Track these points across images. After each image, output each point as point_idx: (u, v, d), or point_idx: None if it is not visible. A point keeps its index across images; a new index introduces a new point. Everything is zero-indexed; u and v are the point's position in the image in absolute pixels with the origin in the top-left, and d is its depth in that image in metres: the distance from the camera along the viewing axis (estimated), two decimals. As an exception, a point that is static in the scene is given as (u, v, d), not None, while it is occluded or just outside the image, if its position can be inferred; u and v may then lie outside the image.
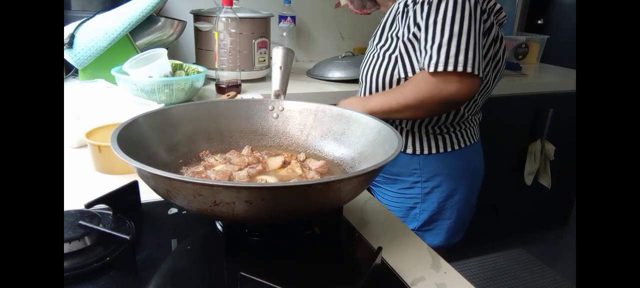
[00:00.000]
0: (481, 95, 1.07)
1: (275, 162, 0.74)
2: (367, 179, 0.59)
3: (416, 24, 0.95)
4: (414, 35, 0.96)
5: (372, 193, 1.23)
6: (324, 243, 0.66)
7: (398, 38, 1.00)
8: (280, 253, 0.63)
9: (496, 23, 1.01)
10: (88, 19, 1.33)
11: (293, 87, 1.45)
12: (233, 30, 1.34)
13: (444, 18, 0.88)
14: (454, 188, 1.11)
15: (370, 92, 1.08)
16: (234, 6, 1.37)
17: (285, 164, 0.74)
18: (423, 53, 0.92)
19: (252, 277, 0.48)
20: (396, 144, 0.63)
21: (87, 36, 1.28)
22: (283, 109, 0.83)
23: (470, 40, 0.88)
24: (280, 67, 0.81)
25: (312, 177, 0.69)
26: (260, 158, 0.76)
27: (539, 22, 2.62)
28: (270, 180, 0.69)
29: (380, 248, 0.58)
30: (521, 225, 2.29)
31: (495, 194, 1.79)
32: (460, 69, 0.87)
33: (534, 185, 2.09)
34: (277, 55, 0.82)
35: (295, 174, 0.71)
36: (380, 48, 1.05)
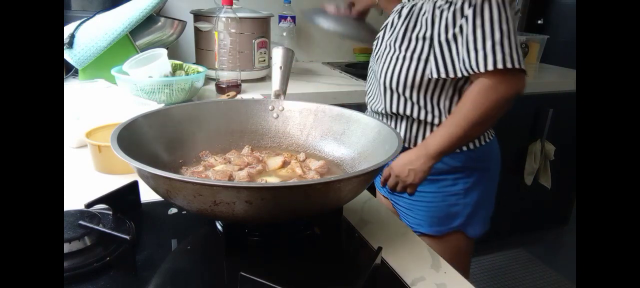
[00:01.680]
0: None
1: (275, 162, 0.74)
2: (367, 179, 0.59)
3: (458, 25, 0.94)
4: (454, 36, 0.95)
5: (393, 203, 1.20)
6: (324, 243, 0.66)
7: (430, 39, 0.99)
8: (280, 253, 0.63)
9: None
10: (88, 19, 1.33)
11: (293, 87, 1.45)
12: (233, 30, 1.34)
13: (492, 17, 0.91)
14: (491, 177, 1.14)
15: (398, 97, 1.05)
16: (234, 6, 1.37)
17: (285, 164, 0.74)
18: (474, 53, 0.92)
19: (252, 277, 0.48)
20: (396, 143, 0.63)
21: (87, 36, 1.28)
22: (283, 109, 0.83)
23: (516, 38, 0.92)
24: (280, 67, 0.81)
25: (312, 177, 0.69)
26: (260, 158, 0.76)
27: (539, 22, 2.62)
28: (270, 180, 0.69)
29: (380, 248, 0.58)
30: (521, 225, 2.29)
31: (496, 194, 1.79)
32: (516, 65, 0.91)
33: (534, 185, 2.09)
34: (277, 55, 0.82)
35: (295, 174, 0.71)
36: (405, 50, 1.03)
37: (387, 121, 1.11)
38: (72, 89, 1.16)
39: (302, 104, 0.83)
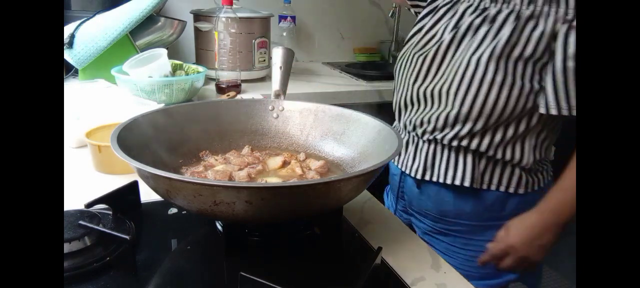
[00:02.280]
0: None
1: (275, 162, 0.74)
2: (367, 179, 0.59)
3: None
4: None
5: (437, 252, 0.80)
6: (324, 243, 0.66)
7: (546, 64, 0.78)
8: (280, 253, 0.63)
9: None
10: (88, 19, 1.33)
11: (293, 87, 1.45)
12: (233, 30, 1.34)
13: None
14: None
15: (472, 128, 0.82)
16: (234, 6, 1.37)
17: (285, 164, 0.74)
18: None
19: (252, 277, 0.48)
20: (396, 144, 0.63)
21: (87, 36, 1.28)
22: (283, 109, 0.83)
23: None
24: (280, 67, 0.81)
25: (312, 177, 0.69)
26: (260, 158, 0.76)
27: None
28: (270, 180, 0.69)
29: (380, 248, 0.58)
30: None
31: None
32: None
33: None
34: (277, 55, 0.82)
35: (295, 174, 0.71)
36: (505, 73, 0.79)
37: (438, 150, 0.89)
38: (72, 88, 1.16)
39: (302, 104, 0.83)
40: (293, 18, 1.96)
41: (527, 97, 0.79)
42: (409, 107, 0.93)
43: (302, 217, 0.64)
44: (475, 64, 0.80)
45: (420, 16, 0.96)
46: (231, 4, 1.33)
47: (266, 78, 1.66)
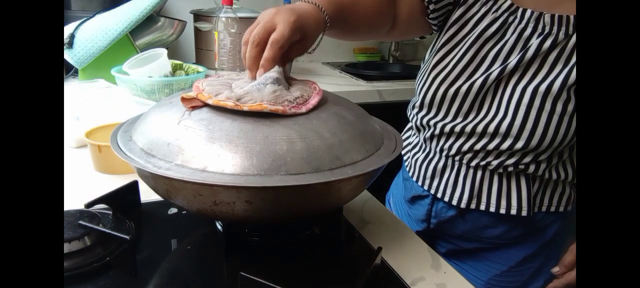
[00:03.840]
0: None
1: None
2: (367, 179, 0.59)
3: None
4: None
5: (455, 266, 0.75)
6: (323, 243, 0.66)
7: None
8: (280, 253, 0.63)
9: None
10: (88, 19, 1.33)
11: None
12: (233, 30, 1.34)
13: None
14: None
15: (526, 154, 0.76)
16: (234, 6, 1.37)
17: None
18: None
19: (251, 277, 0.48)
20: (396, 144, 0.63)
21: (87, 36, 1.29)
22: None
23: None
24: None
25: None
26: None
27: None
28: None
29: (380, 248, 0.58)
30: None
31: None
32: None
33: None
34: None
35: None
36: (567, 104, 0.72)
37: (485, 177, 0.82)
38: (71, 88, 1.16)
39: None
40: (293, 18, 1.95)
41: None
42: (454, 136, 0.82)
43: (302, 217, 0.64)
44: (543, 94, 0.72)
45: (448, 35, 0.82)
46: (231, 4, 1.33)
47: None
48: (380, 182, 0.68)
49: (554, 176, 0.79)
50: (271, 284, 0.47)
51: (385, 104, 1.64)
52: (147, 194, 0.67)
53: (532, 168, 0.77)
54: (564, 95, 0.71)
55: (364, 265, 0.55)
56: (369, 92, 1.63)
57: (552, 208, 0.83)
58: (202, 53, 1.59)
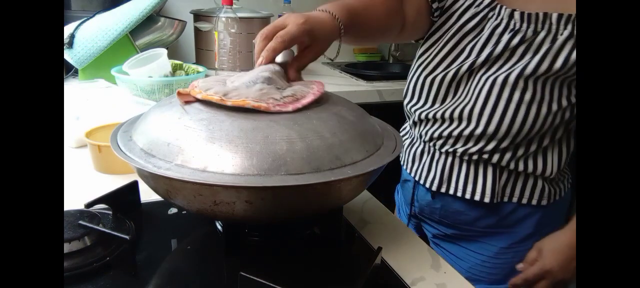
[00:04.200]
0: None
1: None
2: (367, 179, 0.59)
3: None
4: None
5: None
6: (323, 243, 0.66)
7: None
8: (280, 253, 0.63)
9: None
10: (88, 19, 1.33)
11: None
12: (233, 30, 1.34)
13: None
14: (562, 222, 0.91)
15: (499, 143, 0.80)
16: (234, 6, 1.37)
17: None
18: None
19: (251, 276, 0.48)
20: (396, 144, 0.63)
21: (87, 36, 1.29)
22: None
23: None
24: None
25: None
26: None
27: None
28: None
29: (380, 248, 0.58)
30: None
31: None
32: None
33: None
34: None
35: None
36: (540, 87, 0.76)
37: (455, 163, 0.86)
38: (71, 88, 1.16)
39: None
40: (293, 18, 1.96)
41: (556, 114, 0.77)
42: (430, 122, 0.88)
43: (302, 217, 0.64)
44: (501, 84, 0.77)
45: (435, 26, 0.88)
46: (231, 4, 1.33)
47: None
48: (380, 182, 0.68)
49: (521, 167, 0.82)
50: (271, 284, 0.47)
51: (385, 104, 1.64)
52: (147, 194, 0.67)
53: (496, 157, 0.81)
54: (520, 85, 0.76)
55: (364, 265, 0.55)
56: (369, 92, 1.63)
57: (524, 201, 0.85)
58: (202, 53, 1.59)
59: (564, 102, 0.77)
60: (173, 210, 0.71)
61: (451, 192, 0.87)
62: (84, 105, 1.03)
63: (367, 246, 0.65)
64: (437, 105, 0.86)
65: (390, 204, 0.96)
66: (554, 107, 0.77)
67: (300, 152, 0.52)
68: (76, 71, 1.36)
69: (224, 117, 0.54)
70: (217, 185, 0.49)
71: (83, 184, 0.80)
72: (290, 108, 0.57)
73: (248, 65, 1.57)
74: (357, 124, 0.60)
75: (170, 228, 0.67)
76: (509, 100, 0.77)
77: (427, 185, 0.90)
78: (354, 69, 1.94)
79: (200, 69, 1.31)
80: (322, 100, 0.62)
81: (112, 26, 1.29)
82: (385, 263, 0.61)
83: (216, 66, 1.39)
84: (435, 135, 0.86)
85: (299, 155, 0.52)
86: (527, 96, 0.76)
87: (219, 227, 0.65)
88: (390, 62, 2.23)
